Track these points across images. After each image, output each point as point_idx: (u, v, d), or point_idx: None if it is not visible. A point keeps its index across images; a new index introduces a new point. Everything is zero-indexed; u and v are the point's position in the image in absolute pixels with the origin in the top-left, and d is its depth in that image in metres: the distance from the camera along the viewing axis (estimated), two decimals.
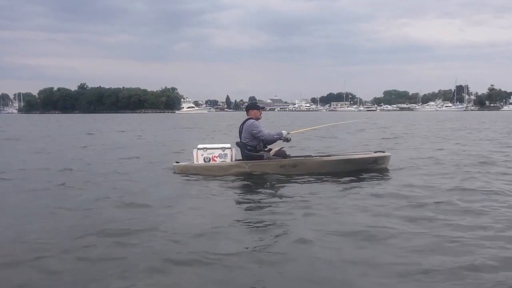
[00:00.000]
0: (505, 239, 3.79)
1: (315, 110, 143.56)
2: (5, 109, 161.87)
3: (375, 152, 8.02)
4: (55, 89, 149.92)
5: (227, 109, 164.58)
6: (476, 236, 3.87)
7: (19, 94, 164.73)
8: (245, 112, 7.89)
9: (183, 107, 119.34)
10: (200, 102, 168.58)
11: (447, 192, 5.79)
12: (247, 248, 3.67)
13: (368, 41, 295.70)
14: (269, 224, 4.36)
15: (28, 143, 15.80)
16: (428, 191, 5.87)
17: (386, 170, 7.56)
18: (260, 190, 6.23)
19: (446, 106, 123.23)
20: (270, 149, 7.59)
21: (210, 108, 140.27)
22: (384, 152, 7.96)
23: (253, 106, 7.99)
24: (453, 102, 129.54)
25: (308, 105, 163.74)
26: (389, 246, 3.66)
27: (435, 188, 6.02)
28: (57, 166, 8.68)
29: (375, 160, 7.58)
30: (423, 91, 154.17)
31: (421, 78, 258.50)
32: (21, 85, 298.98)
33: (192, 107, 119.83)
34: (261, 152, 7.47)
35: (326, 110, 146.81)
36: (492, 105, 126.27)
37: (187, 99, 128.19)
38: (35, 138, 19.01)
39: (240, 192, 6.18)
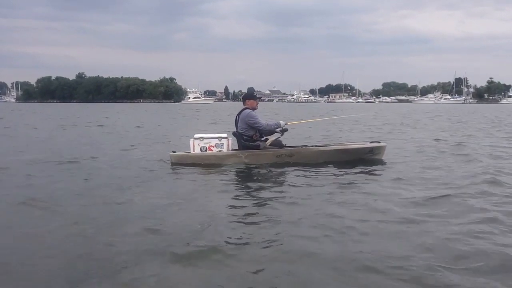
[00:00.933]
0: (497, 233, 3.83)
1: (314, 102, 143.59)
2: (2, 97, 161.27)
3: (371, 142, 8.09)
4: (53, 78, 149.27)
5: (225, 100, 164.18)
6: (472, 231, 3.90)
7: (17, 82, 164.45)
8: (242, 102, 7.93)
9: (190, 97, 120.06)
10: (198, 92, 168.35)
11: (442, 184, 5.85)
12: (241, 240, 3.66)
13: (367, 32, 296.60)
14: (264, 215, 4.38)
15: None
16: (423, 182, 5.94)
17: (382, 160, 7.64)
18: (256, 180, 6.27)
19: (444, 99, 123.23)
20: (267, 139, 7.62)
21: (217, 99, 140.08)
22: (379, 142, 8.02)
23: (250, 96, 7.99)
24: (452, 95, 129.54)
25: (306, 96, 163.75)
26: (384, 238, 3.69)
27: (432, 179, 6.09)
28: (63, 155, 8.77)
29: (371, 150, 7.65)
30: (422, 83, 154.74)
31: (420, 70, 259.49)
32: (19, 74, 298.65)
33: (198, 97, 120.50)
34: (258, 142, 7.51)
35: (324, 101, 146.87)
36: (491, 98, 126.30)
37: (194, 90, 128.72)
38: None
39: (237, 182, 6.21)
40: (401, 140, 11.93)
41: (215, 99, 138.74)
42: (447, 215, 4.30)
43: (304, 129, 13.63)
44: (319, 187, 5.63)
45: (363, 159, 7.52)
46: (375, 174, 6.55)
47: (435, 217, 4.23)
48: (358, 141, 8.97)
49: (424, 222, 4.09)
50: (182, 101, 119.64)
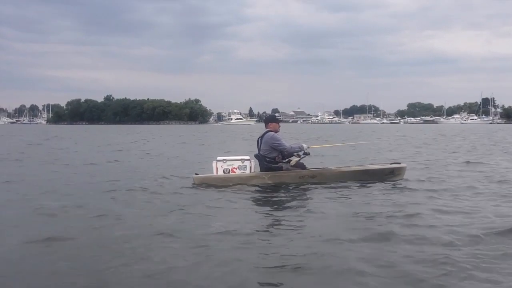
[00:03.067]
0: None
1: (338, 123, 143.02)
2: (34, 119, 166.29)
3: (391, 163, 8.13)
4: (82, 100, 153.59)
5: None
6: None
7: (47, 105, 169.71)
8: (264, 124, 8.07)
9: (232, 119, 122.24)
10: (223, 113, 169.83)
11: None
12: (265, 259, 3.75)
13: (392, 53, 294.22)
14: (290, 236, 4.44)
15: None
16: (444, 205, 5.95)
17: (403, 181, 7.70)
18: (280, 201, 6.36)
19: (471, 119, 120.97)
20: (290, 160, 7.72)
21: (257, 120, 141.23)
22: (400, 163, 8.08)
23: (272, 119, 8.16)
24: (479, 115, 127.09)
25: (331, 117, 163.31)
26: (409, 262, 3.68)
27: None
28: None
29: (392, 171, 7.71)
30: (448, 103, 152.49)
31: (446, 91, 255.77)
32: (50, 97, 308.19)
33: (241, 118, 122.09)
34: (280, 163, 7.62)
35: (349, 122, 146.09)
36: None
37: (235, 111, 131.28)
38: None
39: (261, 203, 6.30)
40: (423, 161, 11.87)
41: (256, 120, 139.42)
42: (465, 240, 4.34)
43: (326, 150, 13.68)
44: (342, 209, 5.67)
45: (384, 180, 7.59)
46: (396, 195, 6.58)
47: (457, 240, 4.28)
48: (380, 162, 9.02)
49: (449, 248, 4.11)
50: (224, 123, 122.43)
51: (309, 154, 7.83)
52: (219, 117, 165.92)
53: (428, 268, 3.47)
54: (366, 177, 7.64)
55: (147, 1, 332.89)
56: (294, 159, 7.67)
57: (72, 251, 4.01)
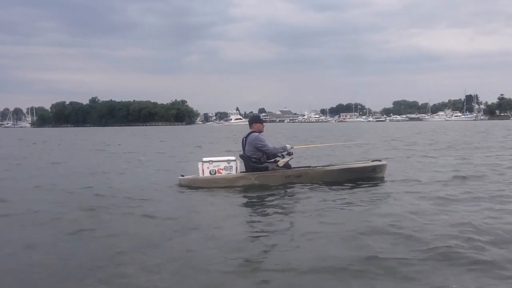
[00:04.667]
0: None
1: (324, 121, 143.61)
2: (18, 123, 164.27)
3: (373, 161, 8.34)
4: (67, 103, 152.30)
5: None
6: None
7: (31, 108, 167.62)
8: (248, 125, 8.15)
9: (231, 119, 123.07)
10: (210, 114, 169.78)
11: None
12: (252, 258, 3.85)
13: (378, 52, 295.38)
14: (278, 240, 4.46)
15: None
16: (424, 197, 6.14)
17: (383, 178, 7.93)
18: (267, 203, 6.38)
19: (455, 116, 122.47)
20: (276, 161, 7.82)
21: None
22: (380, 161, 8.29)
23: (257, 119, 8.23)
24: (463, 112, 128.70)
25: (317, 116, 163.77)
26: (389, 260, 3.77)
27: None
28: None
29: (374, 169, 7.92)
30: (433, 101, 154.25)
31: (431, 88, 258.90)
32: (34, 100, 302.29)
33: (240, 119, 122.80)
34: (265, 163, 7.72)
35: (335, 121, 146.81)
36: (502, 114, 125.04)
37: (235, 112, 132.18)
38: None
39: (248, 203, 6.38)
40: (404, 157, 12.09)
41: None
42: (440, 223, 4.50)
43: (311, 148, 13.86)
44: (326, 207, 5.80)
45: (366, 177, 7.78)
46: (377, 191, 6.86)
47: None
48: (360, 160, 9.20)
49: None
50: (224, 122, 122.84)
51: (292, 154, 7.92)
52: (206, 118, 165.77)
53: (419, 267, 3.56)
54: (350, 175, 7.80)
55: (132, 1, 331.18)
56: (282, 160, 7.77)
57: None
